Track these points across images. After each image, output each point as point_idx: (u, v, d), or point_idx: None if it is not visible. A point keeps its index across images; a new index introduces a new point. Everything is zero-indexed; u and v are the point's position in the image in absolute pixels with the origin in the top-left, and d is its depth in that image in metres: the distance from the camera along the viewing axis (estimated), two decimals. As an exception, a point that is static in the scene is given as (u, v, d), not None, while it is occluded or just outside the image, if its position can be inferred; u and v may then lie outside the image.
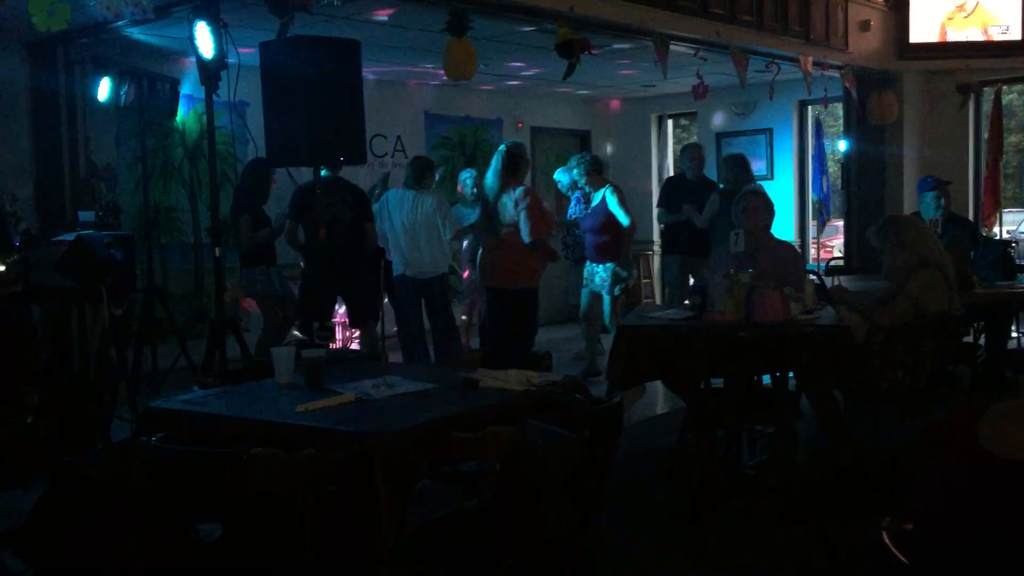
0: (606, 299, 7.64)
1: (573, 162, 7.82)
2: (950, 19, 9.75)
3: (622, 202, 7.47)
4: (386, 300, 7.46)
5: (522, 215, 6.34)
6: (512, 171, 6.43)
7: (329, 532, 2.73)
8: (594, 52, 6.80)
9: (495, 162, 6.48)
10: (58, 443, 5.00)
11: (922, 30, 9.82)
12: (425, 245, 7.08)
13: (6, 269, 4.94)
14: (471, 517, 3.09)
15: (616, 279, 7.56)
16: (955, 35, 9.78)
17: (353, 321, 7.26)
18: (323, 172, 6.80)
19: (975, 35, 9.73)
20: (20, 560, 3.71)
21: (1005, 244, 7.50)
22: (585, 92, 10.95)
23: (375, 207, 7.15)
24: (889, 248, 4.84)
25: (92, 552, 3.40)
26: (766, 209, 5.45)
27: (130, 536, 3.20)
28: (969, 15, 9.68)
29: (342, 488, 2.74)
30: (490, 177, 6.50)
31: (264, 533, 2.71)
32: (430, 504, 3.39)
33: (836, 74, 9.27)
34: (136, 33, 6.69)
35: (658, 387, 6.23)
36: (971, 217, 9.63)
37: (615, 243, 7.55)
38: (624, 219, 7.43)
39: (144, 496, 2.86)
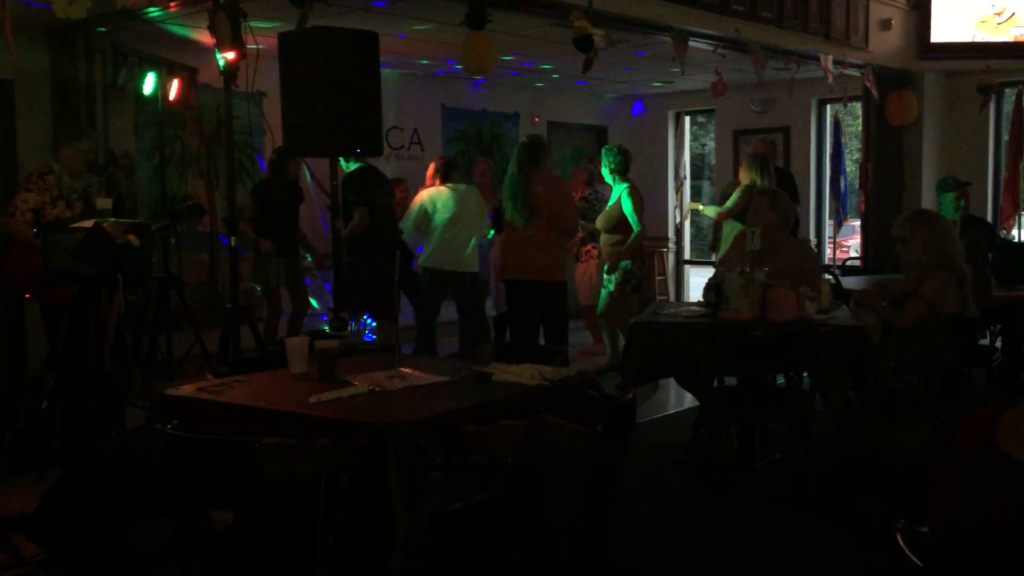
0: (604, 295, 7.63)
1: (603, 155, 7.53)
2: (983, 22, 9.65)
3: (637, 207, 7.28)
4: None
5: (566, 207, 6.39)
6: (534, 161, 6.40)
7: (341, 521, 2.74)
8: (617, 47, 6.77)
9: (515, 154, 6.44)
10: (73, 429, 5.03)
11: (946, 30, 9.73)
12: (464, 241, 7.06)
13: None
14: (482, 509, 3.09)
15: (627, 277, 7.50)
16: (985, 39, 9.66)
17: (381, 312, 7.06)
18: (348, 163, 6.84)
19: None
20: (34, 544, 3.75)
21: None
22: (603, 87, 10.91)
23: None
24: (916, 240, 4.76)
25: (105, 537, 3.42)
26: (772, 208, 5.37)
27: (143, 522, 3.22)
28: (1004, 22, 9.57)
29: (355, 478, 2.74)
30: (511, 169, 6.47)
31: (276, 521, 2.71)
32: (442, 496, 3.39)
33: (856, 72, 9.21)
34: (156, 22, 6.71)
35: (671, 384, 6.22)
36: (989, 219, 9.56)
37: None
38: (636, 225, 7.29)
39: (157, 483, 2.87)
